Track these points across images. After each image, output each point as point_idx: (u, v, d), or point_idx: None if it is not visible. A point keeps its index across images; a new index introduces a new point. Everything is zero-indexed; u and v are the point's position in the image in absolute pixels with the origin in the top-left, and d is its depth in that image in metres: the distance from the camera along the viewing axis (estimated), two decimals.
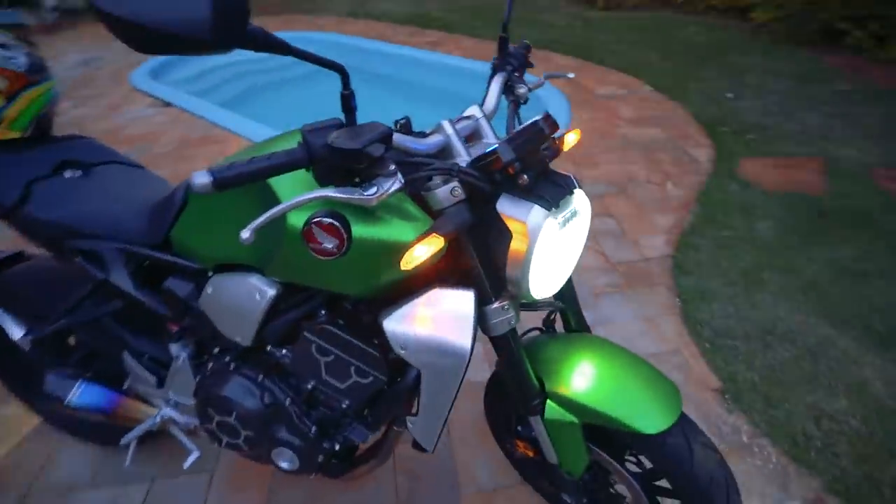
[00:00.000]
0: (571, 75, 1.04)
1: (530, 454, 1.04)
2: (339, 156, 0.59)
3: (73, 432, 1.45)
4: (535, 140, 0.69)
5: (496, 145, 0.68)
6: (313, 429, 0.94)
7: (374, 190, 0.63)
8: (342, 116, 0.63)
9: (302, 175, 0.67)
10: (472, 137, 0.82)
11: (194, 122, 3.60)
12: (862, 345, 1.71)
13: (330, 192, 0.63)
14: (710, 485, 0.85)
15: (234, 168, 0.58)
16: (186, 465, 1.15)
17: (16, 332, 1.09)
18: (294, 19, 6.21)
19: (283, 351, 0.92)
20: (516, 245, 0.71)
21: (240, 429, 0.95)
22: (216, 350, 1.01)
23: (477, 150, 0.75)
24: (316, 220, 0.66)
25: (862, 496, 1.30)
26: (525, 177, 0.68)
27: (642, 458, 1.01)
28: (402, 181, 0.65)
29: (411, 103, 4.48)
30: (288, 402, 0.93)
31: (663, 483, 0.99)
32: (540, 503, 1.30)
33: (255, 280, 0.84)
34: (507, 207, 0.70)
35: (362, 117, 0.65)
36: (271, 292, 0.83)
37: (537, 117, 0.73)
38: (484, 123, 0.82)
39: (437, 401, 0.83)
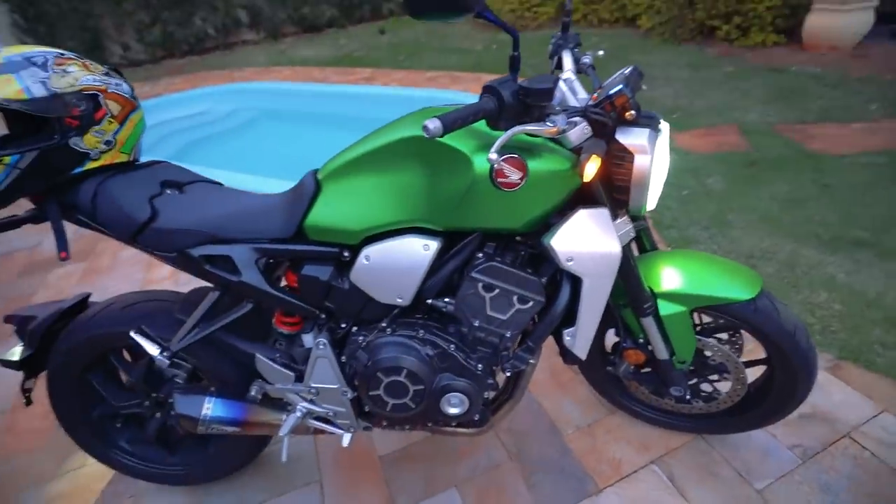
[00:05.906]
0: (601, 53, 1.27)
1: (642, 359, 1.21)
2: (534, 95, 0.76)
3: (150, 478, 1.37)
4: (638, 82, 0.90)
5: (619, 87, 0.86)
6: (479, 366, 1.04)
7: (555, 122, 0.80)
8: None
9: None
10: None
11: None
12: (819, 251, 2.10)
13: (529, 127, 0.78)
14: (796, 331, 1.08)
15: (451, 116, 0.72)
16: (346, 443, 1.18)
17: (153, 350, 1.07)
18: (210, 76, 6.18)
19: (447, 299, 1.01)
20: (638, 163, 0.88)
21: (409, 385, 1.02)
22: (354, 328, 1.08)
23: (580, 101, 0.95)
24: (505, 156, 0.81)
25: (863, 356, 1.61)
26: (633, 111, 0.87)
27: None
28: (577, 121, 0.84)
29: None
30: (452, 348, 1.03)
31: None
32: (631, 426, 1.47)
33: (415, 238, 0.94)
34: (624, 137, 0.88)
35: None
36: (436, 244, 0.94)
37: (629, 67, 0.94)
38: (576, 83, 1.02)
39: (594, 307, 0.98)
